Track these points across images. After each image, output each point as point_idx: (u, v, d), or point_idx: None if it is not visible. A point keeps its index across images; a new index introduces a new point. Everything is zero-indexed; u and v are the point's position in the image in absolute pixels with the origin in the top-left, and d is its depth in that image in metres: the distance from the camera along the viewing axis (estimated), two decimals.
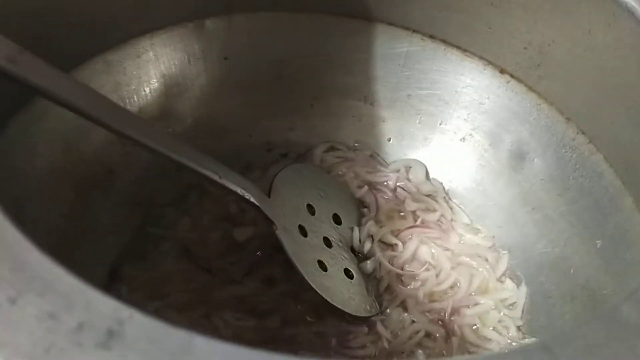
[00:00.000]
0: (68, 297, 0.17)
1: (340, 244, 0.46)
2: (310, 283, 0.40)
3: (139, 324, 0.17)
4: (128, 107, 0.47)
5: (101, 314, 0.17)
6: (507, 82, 0.47)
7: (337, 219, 0.47)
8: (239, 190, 0.38)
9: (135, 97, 0.47)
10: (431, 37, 0.49)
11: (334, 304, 0.41)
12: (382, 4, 0.48)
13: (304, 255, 0.42)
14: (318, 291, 0.40)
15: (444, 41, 0.49)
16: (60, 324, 0.16)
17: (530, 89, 0.46)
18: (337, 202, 0.48)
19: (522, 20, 0.42)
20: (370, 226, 0.48)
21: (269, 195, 0.42)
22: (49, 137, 0.41)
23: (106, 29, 0.43)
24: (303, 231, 0.44)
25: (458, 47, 0.49)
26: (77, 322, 0.16)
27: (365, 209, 0.50)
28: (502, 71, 0.47)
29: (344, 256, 0.46)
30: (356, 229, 0.47)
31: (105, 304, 0.17)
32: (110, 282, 0.43)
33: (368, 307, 0.43)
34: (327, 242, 0.45)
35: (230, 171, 0.38)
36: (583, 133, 0.43)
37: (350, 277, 0.45)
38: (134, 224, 0.46)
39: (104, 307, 0.17)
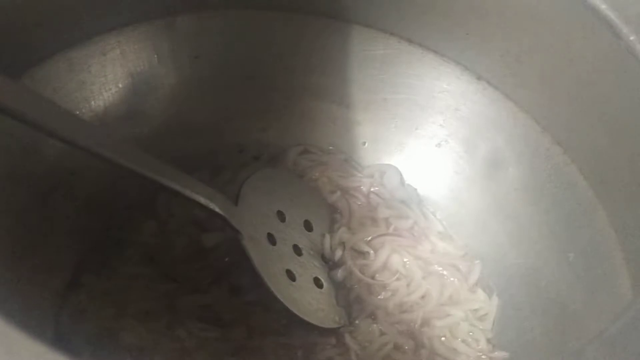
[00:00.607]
0: None
1: (310, 252, 0.45)
2: (277, 295, 0.39)
3: None
4: (93, 106, 0.45)
5: None
6: (484, 89, 0.46)
7: (308, 226, 0.46)
8: (202, 200, 0.37)
9: (100, 96, 0.45)
10: (408, 40, 0.48)
11: (301, 315, 0.40)
12: (359, 5, 0.47)
13: (271, 265, 0.41)
14: (285, 303, 0.39)
15: (420, 45, 0.48)
16: None
17: (507, 96, 0.45)
18: (308, 208, 0.47)
19: (499, 27, 0.41)
20: (342, 233, 0.47)
21: (236, 203, 0.41)
22: (6, 140, 0.39)
23: (69, 25, 0.41)
24: (272, 239, 0.43)
25: (435, 52, 0.47)
26: None
27: (337, 215, 0.49)
28: (479, 78, 0.46)
29: (314, 264, 0.45)
30: (327, 236, 0.46)
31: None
32: (70, 289, 0.41)
33: (337, 318, 0.42)
34: (297, 250, 0.44)
35: (193, 180, 0.37)
36: (558, 144, 0.43)
37: (320, 286, 0.44)
38: (96, 228, 0.45)
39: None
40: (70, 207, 0.44)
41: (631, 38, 0.29)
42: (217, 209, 0.37)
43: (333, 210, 0.49)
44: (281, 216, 0.45)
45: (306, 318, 0.40)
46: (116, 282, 0.42)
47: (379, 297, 0.44)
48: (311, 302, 0.42)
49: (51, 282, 0.41)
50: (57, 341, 0.39)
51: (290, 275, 0.42)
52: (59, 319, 0.40)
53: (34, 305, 0.39)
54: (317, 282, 0.44)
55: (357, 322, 0.43)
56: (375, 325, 0.43)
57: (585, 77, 0.36)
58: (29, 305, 0.39)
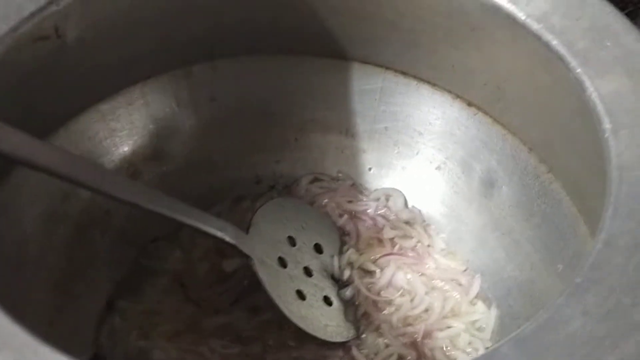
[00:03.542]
0: (21, 353, 0.21)
1: (323, 272, 0.50)
2: (285, 313, 0.43)
3: None
4: (122, 150, 0.51)
5: None
6: (475, 115, 0.50)
7: (318, 249, 0.51)
8: (214, 232, 0.41)
9: (128, 141, 0.51)
10: (403, 73, 0.52)
11: (309, 331, 0.44)
12: (356, 44, 0.51)
13: (282, 285, 0.45)
14: (292, 320, 0.43)
15: (415, 77, 0.52)
16: None
17: (496, 121, 0.48)
18: (318, 232, 0.51)
19: (478, 60, 0.45)
20: (350, 254, 0.51)
21: (247, 231, 0.45)
22: (49, 186, 0.45)
23: (98, 82, 0.47)
24: (283, 262, 0.47)
25: (428, 82, 0.51)
26: None
27: (346, 237, 0.53)
28: (469, 104, 0.50)
29: (324, 284, 0.49)
30: (336, 258, 0.50)
31: None
32: (106, 313, 0.47)
33: (345, 333, 0.46)
34: (307, 272, 0.48)
35: (204, 214, 0.42)
36: (544, 162, 0.45)
37: (330, 304, 0.48)
38: (129, 259, 0.50)
39: None
40: (106, 241, 0.49)
41: (578, 70, 0.33)
42: (227, 238, 0.42)
43: (342, 232, 0.53)
44: (292, 241, 0.49)
45: (314, 333, 0.44)
46: (146, 306, 0.47)
47: (384, 312, 0.48)
48: (320, 319, 0.46)
49: (90, 308, 0.47)
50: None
51: (301, 295, 0.46)
52: (98, 341, 0.45)
53: (75, 329, 0.45)
54: (327, 301, 0.48)
55: (363, 335, 0.47)
56: (380, 338, 0.46)
57: (551, 104, 0.39)
58: (71, 330, 0.45)
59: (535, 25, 0.36)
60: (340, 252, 0.52)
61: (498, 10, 0.38)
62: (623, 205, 0.26)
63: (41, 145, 0.33)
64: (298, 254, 0.49)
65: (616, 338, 0.22)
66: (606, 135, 0.29)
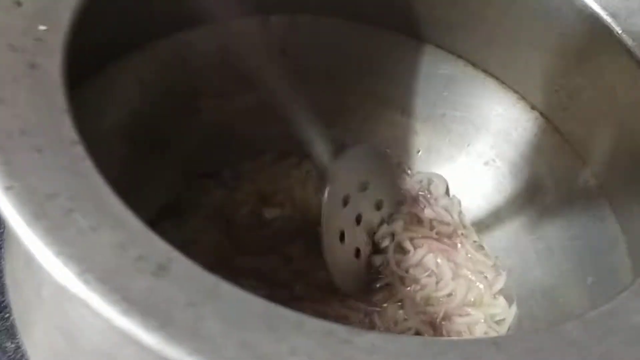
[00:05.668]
0: (134, 234, 0.22)
1: (367, 228, 0.51)
2: (323, 242, 0.45)
3: (182, 264, 0.22)
4: None
5: (156, 251, 0.22)
6: (536, 119, 0.51)
7: (379, 205, 0.51)
8: (320, 150, 0.45)
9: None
10: (473, 64, 0.53)
11: (329, 267, 0.45)
12: (433, 27, 0.52)
13: (333, 219, 0.46)
14: (324, 250, 0.45)
15: (484, 70, 0.52)
16: (126, 252, 0.21)
17: (556, 129, 0.49)
18: (385, 191, 0.52)
19: (558, 65, 0.45)
20: (397, 226, 0.52)
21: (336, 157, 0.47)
22: (118, 101, 0.46)
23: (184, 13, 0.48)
24: (345, 201, 0.48)
25: (497, 78, 0.52)
26: (138, 254, 0.21)
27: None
28: (533, 107, 0.51)
29: (363, 238, 0.50)
30: (385, 225, 0.52)
31: (160, 244, 0.22)
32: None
33: (351, 286, 0.48)
34: (358, 219, 0.49)
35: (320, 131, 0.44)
36: (596, 178, 0.47)
37: (357, 256, 0.49)
38: (175, 188, 0.52)
39: (158, 246, 0.22)
40: (159, 166, 0.51)
41: None
42: (324, 159, 0.45)
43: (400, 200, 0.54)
44: (362, 187, 0.50)
45: (330, 267, 0.45)
46: (186, 236, 0.49)
47: (408, 288, 0.49)
48: (344, 263, 0.47)
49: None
50: None
51: (342, 236, 0.47)
52: None
53: None
54: (357, 253, 0.49)
55: (385, 305, 0.48)
56: (401, 311, 0.48)
57: (627, 123, 0.40)
58: None
59: (630, 42, 0.37)
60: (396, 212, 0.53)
61: (595, 20, 0.39)
62: None
63: None
64: (360, 201, 0.49)
65: None
66: None
